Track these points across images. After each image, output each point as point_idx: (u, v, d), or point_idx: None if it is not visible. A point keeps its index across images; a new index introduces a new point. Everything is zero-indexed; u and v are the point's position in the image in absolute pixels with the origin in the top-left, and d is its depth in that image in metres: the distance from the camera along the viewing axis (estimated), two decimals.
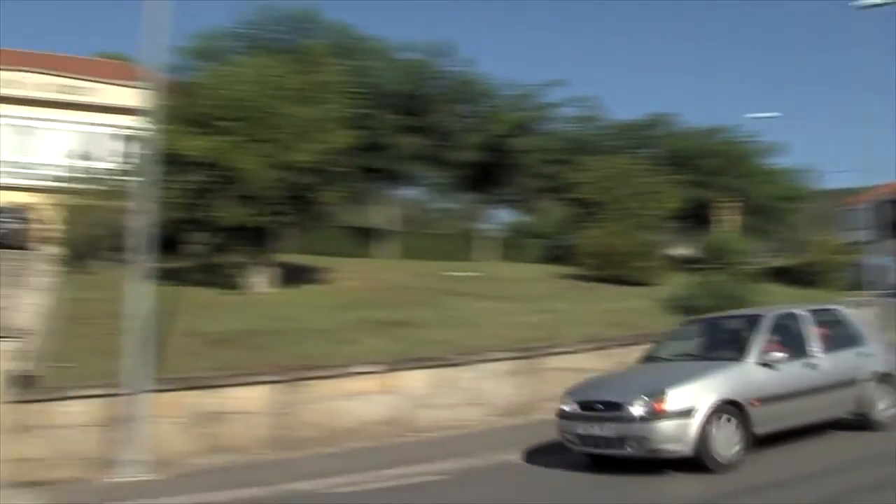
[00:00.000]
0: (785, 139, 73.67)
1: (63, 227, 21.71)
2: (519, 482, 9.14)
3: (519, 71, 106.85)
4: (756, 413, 8.80)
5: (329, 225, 24.05)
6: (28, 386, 10.44)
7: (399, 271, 21.60)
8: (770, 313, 10.22)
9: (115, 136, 38.00)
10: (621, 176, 27.12)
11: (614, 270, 22.87)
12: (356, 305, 15.89)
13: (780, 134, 77.24)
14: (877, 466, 8.43)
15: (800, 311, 10.48)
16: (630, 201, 26.07)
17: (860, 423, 10.06)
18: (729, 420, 8.62)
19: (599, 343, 13.55)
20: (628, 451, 8.57)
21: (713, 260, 25.95)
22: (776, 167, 36.35)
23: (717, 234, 31.34)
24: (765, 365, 9.23)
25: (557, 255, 29.79)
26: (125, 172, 20.19)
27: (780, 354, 9.38)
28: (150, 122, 11.29)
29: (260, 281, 17.11)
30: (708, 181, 32.92)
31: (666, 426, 8.39)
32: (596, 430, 8.83)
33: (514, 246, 33.71)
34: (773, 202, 35.04)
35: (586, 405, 9.14)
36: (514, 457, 10.01)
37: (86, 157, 25.57)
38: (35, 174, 38.25)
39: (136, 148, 18.48)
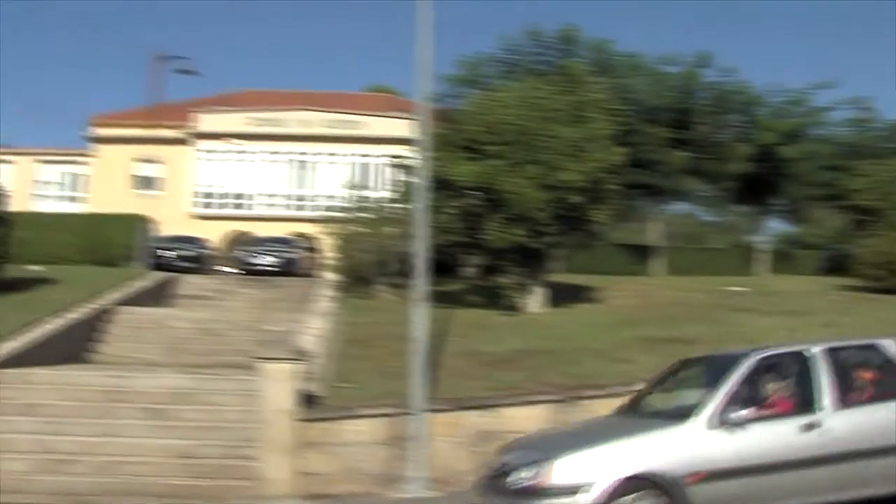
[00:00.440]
0: None
1: (340, 254, 23.99)
2: None
3: (780, 75, 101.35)
4: (699, 493, 7.21)
5: (599, 243, 24.77)
6: (314, 405, 12.06)
7: (671, 287, 21.72)
8: (756, 354, 8.27)
9: (386, 166, 41.15)
10: None
11: None
12: (630, 323, 16.30)
13: None
14: None
15: (810, 349, 8.29)
16: None
17: None
18: (645, 502, 7.13)
19: None
20: None
21: None
22: None
23: None
24: (727, 426, 7.51)
25: (834, 266, 28.87)
26: (398, 200, 22.03)
27: (745, 412, 7.57)
28: (421, 151, 12.37)
29: (533, 301, 17.95)
30: None
31: None
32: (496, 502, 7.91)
33: (785, 258, 33.14)
34: None
35: (499, 468, 8.13)
36: None
37: (359, 187, 28.05)
38: (313, 205, 42.29)
39: (407, 176, 20.21)
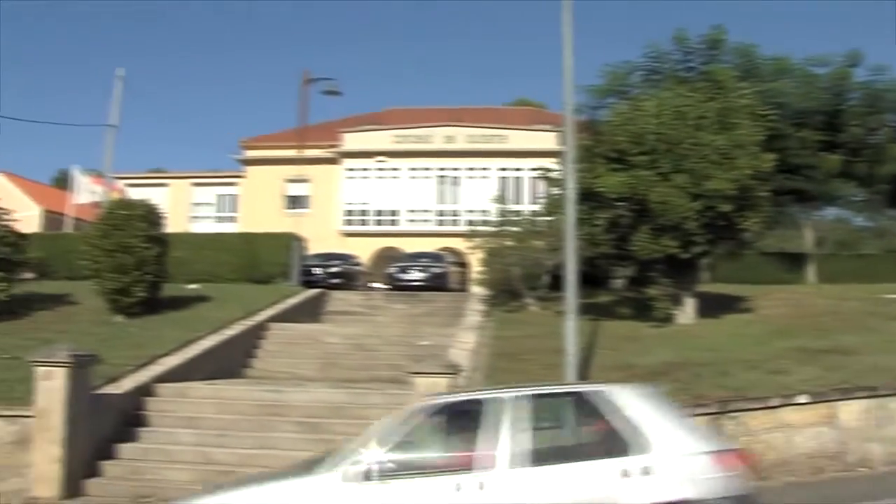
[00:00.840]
0: None
1: (488, 268, 24.15)
2: None
3: None
4: None
5: (748, 252, 24.12)
6: None
7: (824, 296, 20.97)
8: (426, 402, 7.62)
9: (532, 179, 41.23)
10: None
11: None
12: (783, 333, 15.93)
13: None
14: None
15: (501, 396, 7.22)
16: None
17: None
18: None
19: None
20: None
21: None
22: None
23: None
24: (369, 480, 6.73)
25: None
26: (544, 213, 22.06)
27: (391, 465, 6.79)
28: (567, 163, 12.39)
29: (683, 312, 17.72)
30: None
31: None
32: None
33: None
34: None
35: None
36: None
37: (506, 200, 28.21)
38: (460, 220, 42.77)
39: (553, 188, 20.22)
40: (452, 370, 11.74)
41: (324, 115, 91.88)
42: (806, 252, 30.92)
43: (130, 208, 20.70)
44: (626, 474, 6.61)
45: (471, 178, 46.04)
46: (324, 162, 46.68)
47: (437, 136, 46.50)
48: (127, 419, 13.52)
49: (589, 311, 18.67)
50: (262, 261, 28.83)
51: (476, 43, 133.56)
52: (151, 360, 15.60)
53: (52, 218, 45.72)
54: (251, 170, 48.31)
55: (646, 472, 6.61)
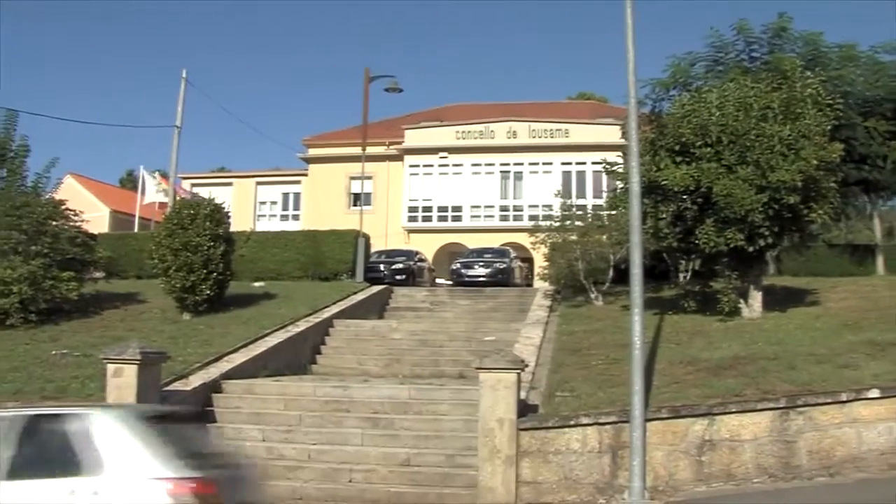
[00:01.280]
0: None
1: (552, 263, 24.08)
2: None
3: None
4: None
5: (815, 244, 23.65)
6: (529, 414, 12.17)
7: (894, 288, 20.44)
8: None
9: (595, 173, 41.00)
10: None
11: None
12: (852, 327, 15.63)
13: None
14: None
15: None
16: None
17: None
18: None
19: None
20: None
21: None
22: None
23: None
24: None
25: None
26: (608, 207, 21.94)
27: None
28: (630, 156, 12.32)
29: (749, 306, 17.52)
30: None
31: None
32: None
33: None
34: None
35: None
36: None
37: (569, 195, 28.08)
38: (523, 215, 42.71)
39: (617, 182, 20.10)
40: (518, 365, 11.76)
41: (385, 112, 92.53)
42: (874, 243, 30.22)
43: (196, 207, 21.05)
44: (72, 493, 6.81)
45: (533, 172, 45.97)
46: (386, 159, 47.04)
47: (499, 132, 46.51)
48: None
49: (653, 305, 18.52)
50: (327, 258, 29.12)
51: (536, 37, 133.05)
52: (219, 358, 15.88)
53: (120, 218, 46.71)
54: (314, 168, 48.86)
55: (94, 493, 6.81)
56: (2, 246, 19.96)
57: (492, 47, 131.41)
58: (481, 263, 32.44)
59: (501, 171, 46.46)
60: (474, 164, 46.56)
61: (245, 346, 17.02)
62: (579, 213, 25.03)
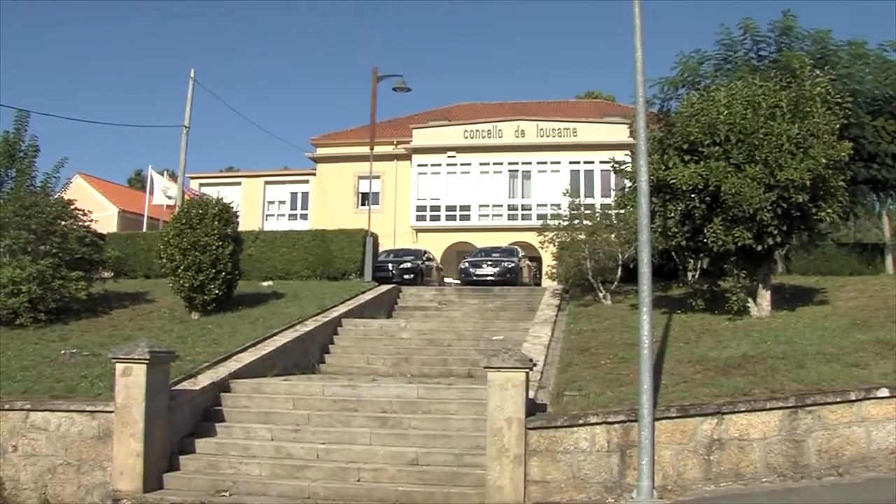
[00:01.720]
0: None
1: (560, 262, 24.08)
2: None
3: None
4: None
5: (824, 243, 23.57)
6: (537, 413, 12.16)
7: None
8: None
9: (603, 172, 41.02)
10: None
11: None
12: (861, 326, 15.57)
13: None
14: None
15: None
16: None
17: None
18: None
19: None
20: None
21: None
22: None
23: None
24: None
25: None
26: (616, 206, 21.93)
27: None
28: (639, 155, 12.30)
29: (757, 304, 17.50)
30: None
31: None
32: None
33: None
34: None
35: None
36: None
37: (577, 194, 28.05)
38: (531, 215, 42.73)
39: (625, 181, 20.08)
40: (526, 364, 11.74)
41: (393, 111, 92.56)
42: (883, 242, 30.15)
43: (204, 207, 21.09)
44: None
45: (542, 171, 45.96)
46: (395, 158, 47.10)
47: (507, 131, 46.51)
48: (204, 415, 13.82)
49: (662, 304, 18.52)
50: (336, 257, 29.18)
51: (544, 36, 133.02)
52: (227, 357, 15.91)
53: (129, 218, 46.82)
54: (322, 167, 48.92)
55: None
56: (11, 245, 20.05)
57: (500, 47, 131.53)
58: (489, 262, 32.46)
59: (509, 171, 46.47)
60: (482, 164, 46.56)
61: (253, 345, 17.05)
62: (587, 212, 25.02)
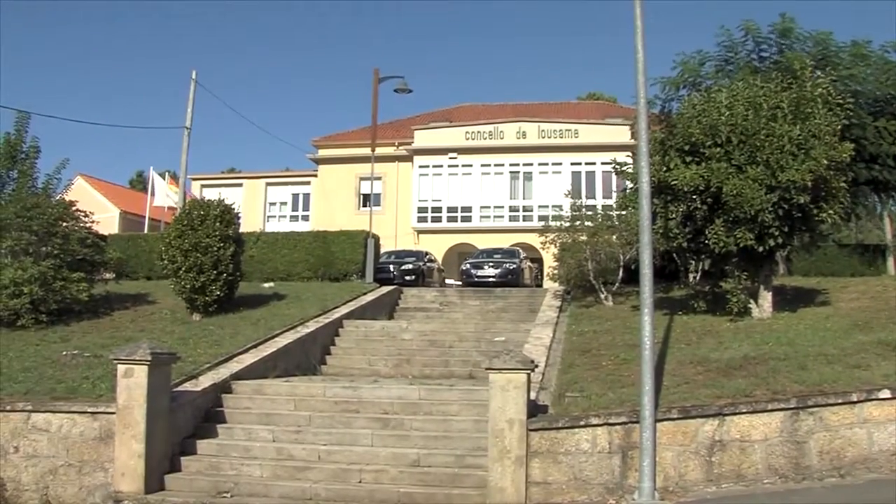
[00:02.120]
0: None
1: (562, 263, 24.06)
2: None
3: None
4: None
5: (825, 244, 23.53)
6: (539, 414, 12.14)
7: None
8: None
9: (604, 173, 41.04)
10: None
11: None
12: (862, 327, 15.55)
13: None
14: None
15: None
16: None
17: None
18: None
19: None
20: None
21: None
22: None
23: None
24: None
25: None
26: (618, 207, 21.92)
27: None
28: (640, 156, 12.29)
29: (759, 306, 17.49)
30: None
31: None
32: None
33: None
34: None
35: None
36: None
37: (577, 195, 28.06)
38: (533, 216, 42.73)
39: (626, 182, 20.08)
40: (527, 366, 11.74)
41: (395, 112, 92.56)
42: (885, 243, 30.15)
43: (206, 208, 21.09)
44: None
45: (543, 173, 46.01)
46: (396, 159, 47.15)
47: (509, 132, 46.53)
48: (205, 416, 13.82)
49: (663, 305, 18.50)
50: (337, 259, 29.18)
51: (545, 37, 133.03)
52: (228, 358, 15.91)
53: (130, 219, 46.86)
54: (324, 168, 48.96)
55: None
56: (13, 247, 20.05)
57: (501, 48, 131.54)
58: (491, 264, 32.47)
59: (511, 172, 46.49)
60: (484, 165, 46.59)
61: (255, 346, 17.05)
62: (589, 213, 25.00)
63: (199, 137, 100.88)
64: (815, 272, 25.58)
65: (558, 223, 24.58)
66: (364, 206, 45.06)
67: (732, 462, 11.26)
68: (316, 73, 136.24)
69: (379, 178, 43.77)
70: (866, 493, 10.44)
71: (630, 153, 20.15)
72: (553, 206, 36.90)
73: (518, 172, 46.40)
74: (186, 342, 16.86)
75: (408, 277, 31.27)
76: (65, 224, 21.03)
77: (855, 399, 11.39)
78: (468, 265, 32.87)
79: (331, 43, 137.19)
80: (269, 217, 49.68)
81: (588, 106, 57.16)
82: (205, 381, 14.35)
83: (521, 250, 35.60)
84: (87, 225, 21.91)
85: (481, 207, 46.31)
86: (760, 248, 16.70)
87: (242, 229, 23.47)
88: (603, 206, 29.98)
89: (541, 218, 35.96)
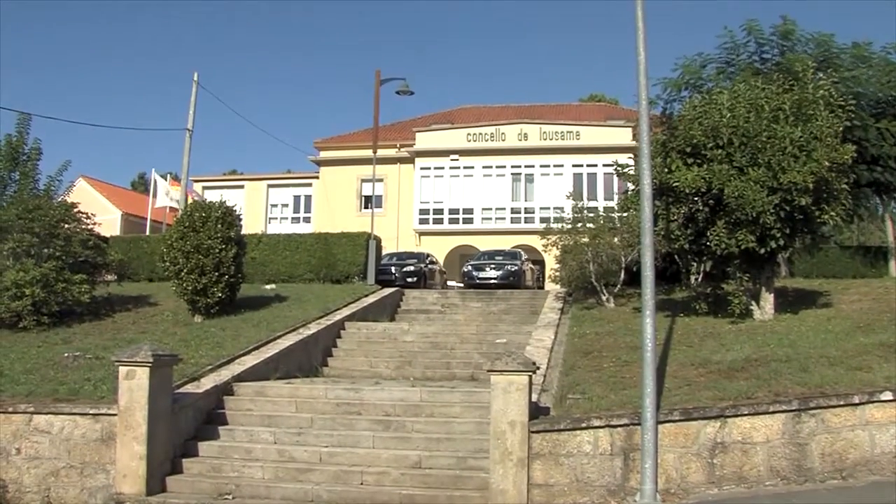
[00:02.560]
0: None
1: (563, 265, 24.05)
2: None
3: None
4: None
5: (827, 246, 23.50)
6: (540, 416, 12.13)
7: None
8: None
9: (606, 175, 41.03)
10: None
11: None
12: (864, 329, 15.54)
13: None
14: None
15: None
16: None
17: None
18: None
19: None
20: None
21: None
22: None
23: None
24: None
25: None
26: (620, 209, 21.91)
27: None
28: (642, 158, 12.29)
29: (760, 307, 17.49)
30: None
31: None
32: None
33: None
34: None
35: None
36: None
37: (578, 197, 28.06)
38: (534, 218, 42.72)
39: (628, 184, 20.06)
40: (529, 368, 11.73)
41: (396, 114, 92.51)
42: (887, 245, 30.17)
43: (208, 210, 21.09)
44: None
45: (544, 175, 45.98)
46: (397, 161, 47.15)
47: (510, 134, 46.51)
48: (207, 417, 13.82)
49: (665, 307, 18.50)
50: (339, 260, 29.18)
51: (547, 39, 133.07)
52: (230, 360, 15.92)
53: (132, 221, 46.89)
54: (325, 170, 48.98)
55: None
56: (15, 249, 20.06)
57: (502, 49, 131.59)
58: (492, 266, 32.46)
59: (512, 174, 46.47)
60: (485, 167, 46.58)
61: (256, 348, 17.06)
62: (590, 215, 24.99)
63: (200, 139, 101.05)
64: (817, 274, 25.59)
65: (560, 225, 24.56)
66: (366, 207, 45.05)
67: (734, 464, 11.25)
68: (317, 74, 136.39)
69: (380, 180, 43.74)
70: (868, 495, 10.44)
71: (632, 155, 20.17)
72: (555, 208, 36.97)
73: (520, 174, 46.38)
74: (188, 344, 16.86)
75: (409, 279, 31.29)
76: (66, 226, 21.05)
77: (857, 401, 11.37)
78: (470, 267, 32.87)
79: (332, 45, 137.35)
80: (270, 219, 49.69)
81: (590, 107, 57.14)
82: (206, 383, 14.35)
83: (522, 252, 35.59)
84: (89, 227, 21.94)
85: (483, 209, 46.29)
86: (762, 250, 16.70)
87: (244, 231, 23.49)
88: (605, 207, 29.91)
89: (542, 220, 35.98)
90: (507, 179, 46.50)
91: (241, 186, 50.62)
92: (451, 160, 46.62)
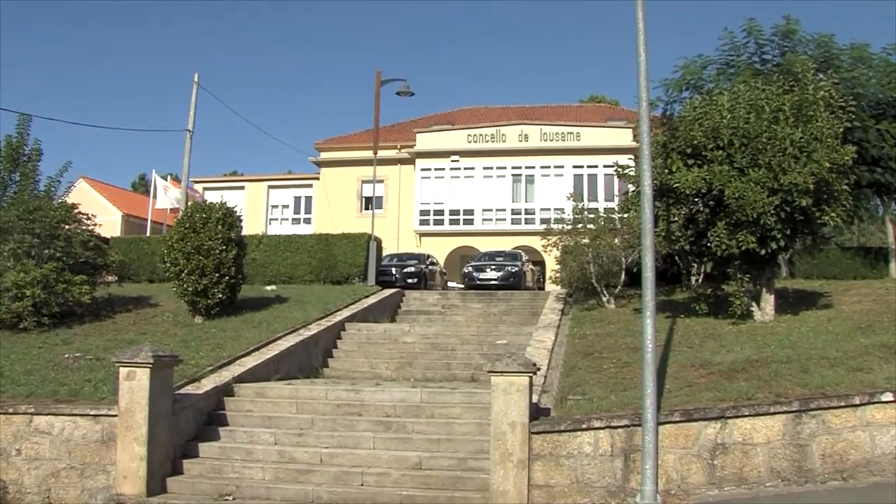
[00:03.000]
0: None
1: (564, 266, 24.06)
2: None
3: None
4: None
5: (828, 247, 23.48)
6: (541, 417, 12.12)
7: None
8: None
9: (607, 176, 41.05)
10: None
11: None
12: (864, 330, 15.54)
13: None
14: None
15: None
16: None
17: None
18: None
19: None
20: None
21: None
22: None
23: None
24: None
25: None
26: (620, 210, 21.92)
27: None
28: (642, 159, 12.28)
29: (761, 309, 17.49)
30: None
31: None
32: None
33: None
34: None
35: None
36: None
37: (579, 198, 28.09)
38: (535, 219, 42.74)
39: (629, 185, 20.07)
40: (530, 369, 11.72)
41: (397, 115, 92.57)
42: (887, 246, 30.17)
43: (208, 211, 21.08)
44: None
45: (545, 176, 45.98)
46: (398, 162, 47.16)
47: (511, 135, 46.52)
48: (207, 418, 13.82)
49: (665, 308, 18.49)
50: (339, 261, 29.18)
51: (548, 40, 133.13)
52: (231, 361, 15.91)
53: (132, 222, 46.89)
54: (326, 171, 48.98)
55: None
56: (15, 249, 20.06)
57: (503, 50, 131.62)
58: (493, 267, 32.44)
59: (513, 175, 46.47)
60: (486, 168, 46.58)
61: (257, 349, 17.05)
62: (591, 216, 25.00)
63: (201, 140, 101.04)
64: (818, 275, 25.59)
65: (560, 226, 24.56)
66: (366, 208, 45.05)
67: (735, 465, 11.24)
68: (318, 75, 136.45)
69: (381, 181, 43.74)
70: (869, 496, 10.43)
71: (632, 156, 20.17)
72: (555, 209, 36.94)
73: (520, 175, 46.38)
74: (188, 345, 16.86)
75: (410, 280, 31.29)
76: (67, 227, 21.06)
77: (857, 402, 11.36)
78: (470, 268, 32.86)
79: (333, 46, 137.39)
80: (271, 220, 49.69)
81: (590, 108, 57.12)
82: (207, 384, 14.35)
83: (523, 253, 35.58)
84: (90, 227, 21.94)
85: (483, 210, 46.30)
86: (762, 251, 16.70)
87: (244, 232, 23.47)
88: (605, 208, 29.91)
89: (543, 221, 35.98)
90: (507, 180, 46.51)
91: (242, 187, 50.62)
92: (452, 161, 46.62)
